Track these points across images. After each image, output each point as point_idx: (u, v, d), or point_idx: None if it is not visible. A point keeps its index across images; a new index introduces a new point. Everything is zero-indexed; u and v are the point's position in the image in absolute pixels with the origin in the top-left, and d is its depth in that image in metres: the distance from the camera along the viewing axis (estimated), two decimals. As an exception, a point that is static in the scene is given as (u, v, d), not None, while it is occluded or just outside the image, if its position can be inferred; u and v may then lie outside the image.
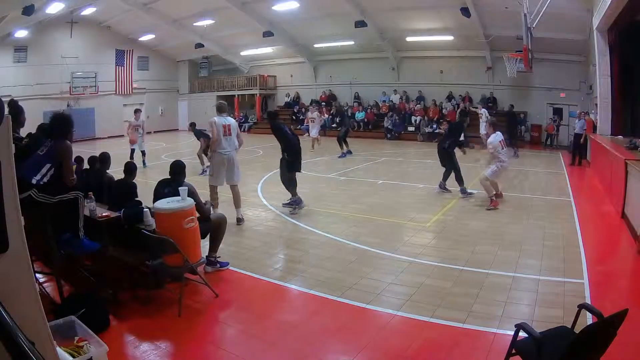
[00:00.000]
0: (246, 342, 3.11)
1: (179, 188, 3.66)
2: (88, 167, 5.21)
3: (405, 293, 3.80)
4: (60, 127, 3.52)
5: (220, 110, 6.10)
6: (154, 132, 22.59)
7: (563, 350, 1.91)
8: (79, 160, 5.39)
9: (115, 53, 20.54)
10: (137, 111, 11.94)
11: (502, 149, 6.97)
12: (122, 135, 21.14)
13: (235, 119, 7.86)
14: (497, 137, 6.95)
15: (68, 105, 18.50)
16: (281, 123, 7.08)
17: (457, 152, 7.99)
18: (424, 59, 18.27)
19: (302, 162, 6.85)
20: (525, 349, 2.20)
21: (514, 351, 2.27)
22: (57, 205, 3.37)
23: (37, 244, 3.25)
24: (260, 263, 4.58)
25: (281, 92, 22.73)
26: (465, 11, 13.46)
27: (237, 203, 6.09)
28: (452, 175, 7.73)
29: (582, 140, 11.34)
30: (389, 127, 17.98)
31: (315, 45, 19.66)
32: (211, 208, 4.32)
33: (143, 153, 11.41)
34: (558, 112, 16.08)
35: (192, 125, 11.27)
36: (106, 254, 3.70)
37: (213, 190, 6.07)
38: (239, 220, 6.00)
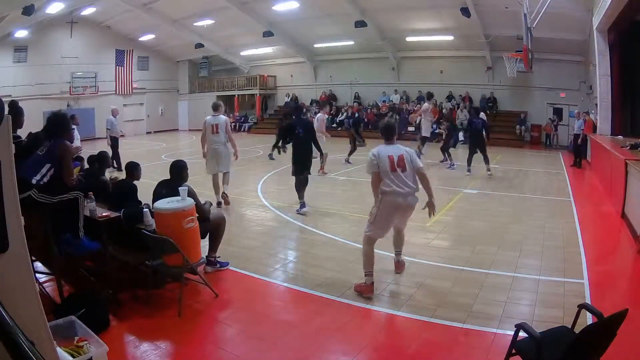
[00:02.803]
0: (246, 342, 3.11)
1: (179, 188, 3.66)
2: (87, 166, 5.21)
3: (405, 293, 3.80)
4: (57, 126, 3.52)
5: (214, 109, 6.82)
6: (154, 132, 22.62)
7: (563, 350, 1.91)
8: (79, 159, 5.39)
9: (115, 53, 20.54)
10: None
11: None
12: (122, 136, 21.21)
13: (229, 116, 8.39)
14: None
15: (68, 105, 18.50)
16: (291, 122, 6.88)
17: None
18: (424, 59, 18.29)
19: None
20: (525, 349, 2.20)
21: (514, 351, 2.27)
22: (57, 205, 3.37)
23: (37, 244, 3.25)
24: (260, 263, 4.58)
25: (281, 92, 22.73)
26: (465, 11, 13.47)
27: (224, 182, 6.94)
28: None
29: (579, 140, 11.32)
30: (389, 127, 17.96)
31: (315, 45, 19.67)
32: (210, 208, 4.32)
33: None
34: (558, 112, 16.09)
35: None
36: (106, 254, 3.70)
37: (213, 179, 6.89)
38: (223, 194, 6.88)
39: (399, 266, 4.29)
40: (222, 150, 6.73)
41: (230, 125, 7.37)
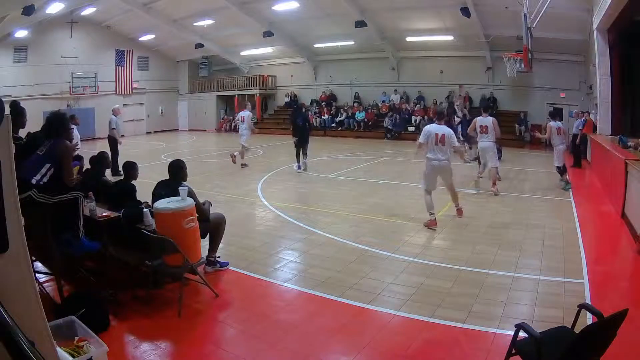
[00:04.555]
0: (246, 342, 3.11)
1: (179, 188, 3.65)
2: (89, 167, 5.20)
3: (405, 293, 3.80)
4: (57, 126, 3.53)
5: (245, 106, 11.83)
6: (154, 132, 22.62)
7: (563, 350, 1.91)
8: (79, 158, 5.38)
9: (115, 53, 20.52)
10: None
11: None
12: (122, 135, 21.19)
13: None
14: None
15: (68, 105, 18.48)
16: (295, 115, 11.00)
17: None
18: (424, 59, 18.27)
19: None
20: (525, 349, 2.20)
21: (514, 351, 2.27)
22: (57, 205, 3.37)
23: (37, 244, 3.25)
24: (260, 263, 4.58)
25: (281, 92, 22.72)
26: (465, 11, 13.46)
27: (241, 155, 10.99)
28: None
29: (578, 140, 11.30)
30: (389, 127, 17.99)
31: (315, 45, 19.66)
32: (210, 208, 4.32)
33: None
34: (558, 112, 16.05)
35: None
36: (106, 254, 3.70)
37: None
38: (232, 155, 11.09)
39: (459, 212, 6.09)
40: (244, 131, 11.07)
41: (252, 118, 11.53)
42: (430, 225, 5.69)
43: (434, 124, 5.89)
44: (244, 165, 10.90)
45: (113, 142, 10.27)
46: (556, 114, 8.81)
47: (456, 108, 14.16)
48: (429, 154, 5.66)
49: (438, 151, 5.61)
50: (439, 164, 5.64)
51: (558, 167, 8.32)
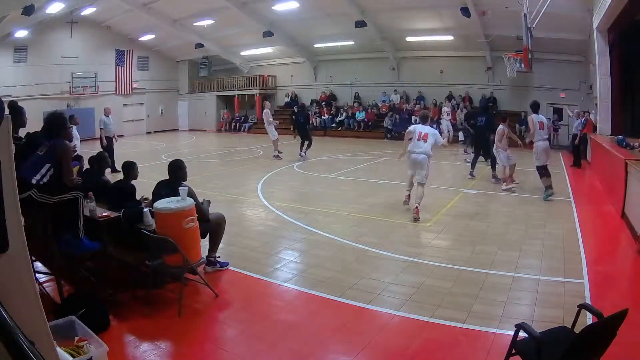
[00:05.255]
0: (246, 342, 3.11)
1: (179, 188, 3.65)
2: (89, 167, 5.21)
3: (405, 293, 3.80)
4: (55, 126, 3.53)
5: (263, 107, 13.55)
6: (154, 132, 22.62)
7: (563, 350, 1.91)
8: (78, 158, 5.39)
9: (115, 53, 20.50)
10: None
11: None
12: (122, 135, 21.20)
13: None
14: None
15: (68, 106, 18.47)
16: (297, 113, 12.85)
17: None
18: (424, 59, 18.27)
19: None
20: (525, 349, 2.20)
21: (514, 351, 2.27)
22: (57, 205, 3.37)
23: (37, 244, 3.25)
24: (260, 263, 4.58)
25: (281, 92, 22.72)
26: (465, 11, 13.47)
27: (275, 147, 12.47)
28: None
29: (577, 140, 11.30)
30: (389, 127, 17.99)
31: (315, 45, 19.66)
32: (209, 207, 4.31)
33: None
34: (558, 112, 16.07)
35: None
36: (106, 254, 3.70)
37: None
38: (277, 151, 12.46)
39: (416, 211, 6.14)
40: (268, 128, 12.52)
41: (270, 114, 13.15)
42: (406, 199, 6.64)
43: (419, 125, 6.69)
44: (276, 156, 12.24)
45: (107, 141, 10.53)
46: (538, 106, 7.98)
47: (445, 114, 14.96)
48: (410, 147, 6.39)
49: (418, 146, 6.33)
50: (417, 157, 6.28)
51: (538, 168, 7.61)
